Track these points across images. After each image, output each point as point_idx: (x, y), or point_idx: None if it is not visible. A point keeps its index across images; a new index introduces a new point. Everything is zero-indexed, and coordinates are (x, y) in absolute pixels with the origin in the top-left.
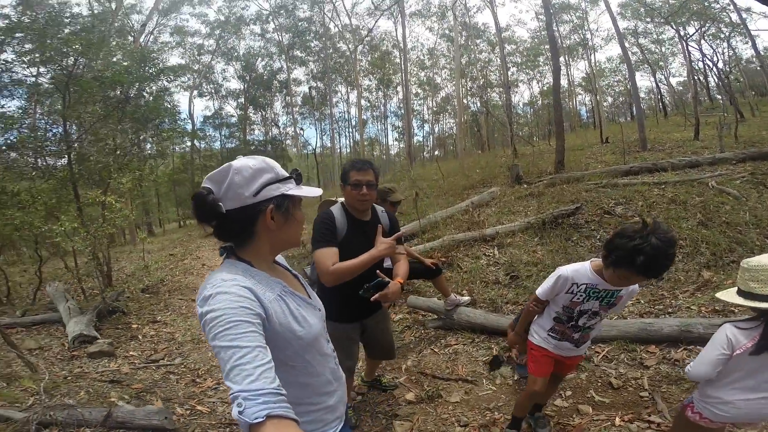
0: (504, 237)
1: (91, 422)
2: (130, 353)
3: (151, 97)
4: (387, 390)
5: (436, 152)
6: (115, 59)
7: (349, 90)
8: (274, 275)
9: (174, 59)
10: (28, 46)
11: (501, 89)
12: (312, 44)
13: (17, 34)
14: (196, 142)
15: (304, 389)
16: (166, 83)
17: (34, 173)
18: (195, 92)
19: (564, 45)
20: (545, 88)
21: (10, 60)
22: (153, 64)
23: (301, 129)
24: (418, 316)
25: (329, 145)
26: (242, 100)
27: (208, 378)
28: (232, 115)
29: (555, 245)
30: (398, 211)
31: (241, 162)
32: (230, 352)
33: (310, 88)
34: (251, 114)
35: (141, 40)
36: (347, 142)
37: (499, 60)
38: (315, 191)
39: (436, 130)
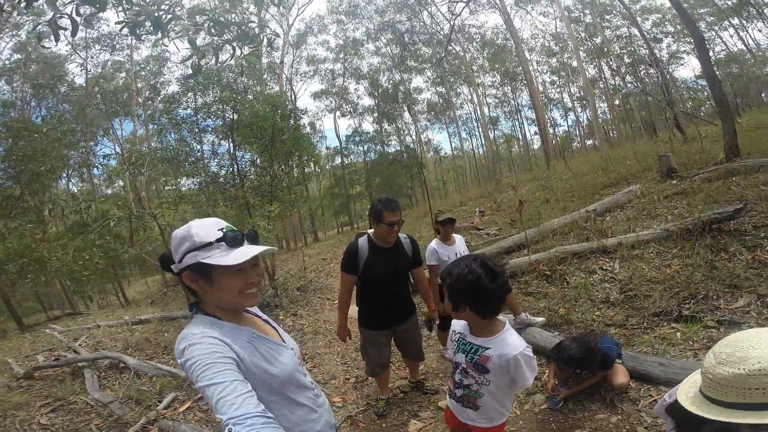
0: (631, 248)
1: None
2: None
3: (290, 135)
4: (427, 393)
5: (588, 142)
6: (258, 106)
7: (471, 90)
8: (242, 323)
9: (315, 86)
10: (200, 101)
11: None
12: (421, 52)
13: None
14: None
15: (289, 420)
16: (293, 121)
17: (222, 202)
18: (338, 113)
19: (724, 4)
20: (719, 57)
21: (191, 113)
22: (283, 108)
23: (422, 137)
24: None
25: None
26: (376, 114)
27: (309, 362)
28: (368, 132)
29: (698, 258)
30: (510, 220)
31: (178, 230)
32: (212, 388)
33: (413, 98)
34: (385, 127)
35: (285, 72)
36: (479, 142)
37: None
38: (239, 257)
39: (583, 117)
